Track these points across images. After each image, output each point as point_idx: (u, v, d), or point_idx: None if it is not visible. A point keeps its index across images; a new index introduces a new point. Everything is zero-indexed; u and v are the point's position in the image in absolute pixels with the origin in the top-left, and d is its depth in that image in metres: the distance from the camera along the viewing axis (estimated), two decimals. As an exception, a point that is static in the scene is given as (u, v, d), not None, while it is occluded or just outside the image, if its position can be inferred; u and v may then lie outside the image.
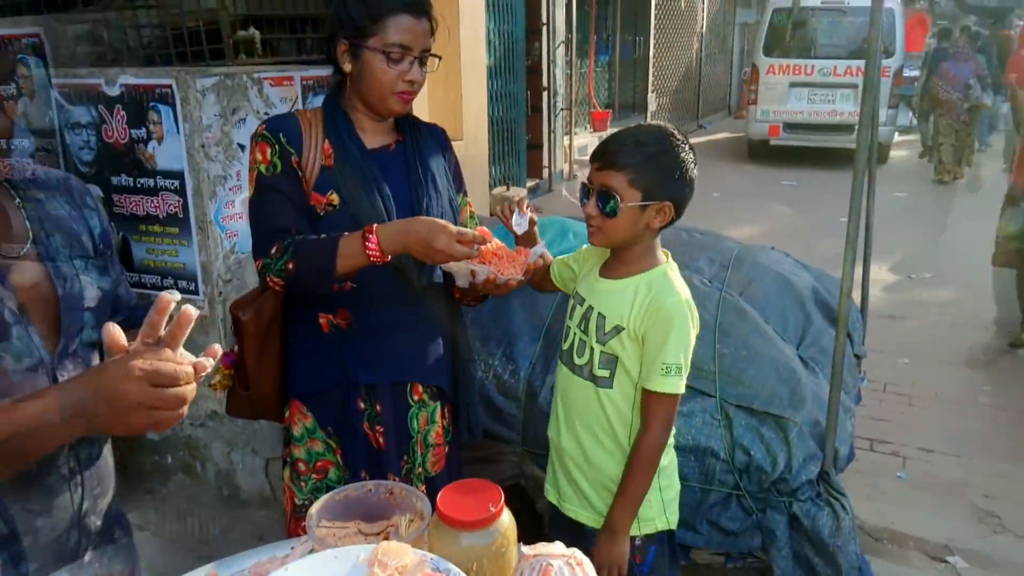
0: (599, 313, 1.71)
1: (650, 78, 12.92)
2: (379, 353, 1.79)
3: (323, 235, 1.68)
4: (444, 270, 1.78)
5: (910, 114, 12.35)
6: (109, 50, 3.13)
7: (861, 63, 10.47)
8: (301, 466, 1.84)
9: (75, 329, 1.20)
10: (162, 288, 2.90)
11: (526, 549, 1.25)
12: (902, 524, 3.24)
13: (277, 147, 1.72)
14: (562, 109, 9.37)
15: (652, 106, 13.02)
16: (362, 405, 1.80)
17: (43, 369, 1.14)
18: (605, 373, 1.71)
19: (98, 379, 0.99)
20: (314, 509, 1.33)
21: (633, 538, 1.77)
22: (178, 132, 2.72)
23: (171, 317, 1.03)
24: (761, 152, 11.68)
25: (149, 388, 0.97)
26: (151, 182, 2.81)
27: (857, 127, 2.21)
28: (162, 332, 1.02)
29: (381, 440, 1.82)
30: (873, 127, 2.99)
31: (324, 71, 3.09)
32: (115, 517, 1.35)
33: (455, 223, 1.86)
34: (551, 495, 1.91)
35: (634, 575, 1.78)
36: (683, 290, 1.70)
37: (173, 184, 2.78)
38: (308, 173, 1.72)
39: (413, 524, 1.33)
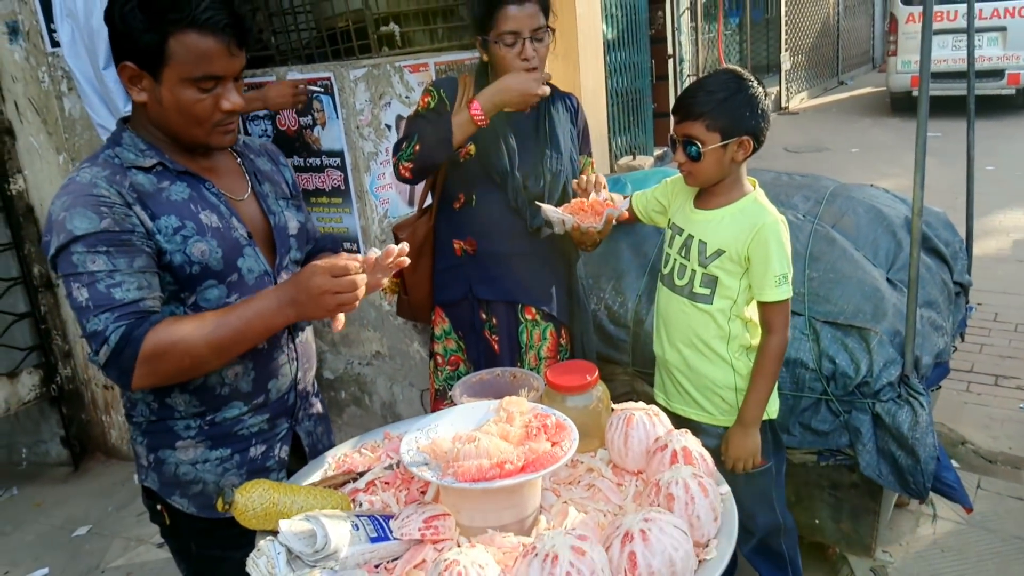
0: (699, 240, 2.00)
1: (783, 37, 12.64)
2: (496, 276, 2.24)
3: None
4: (542, 216, 2.15)
5: None
6: (276, 52, 3.72)
7: (1010, 3, 9.84)
8: (439, 359, 2.33)
9: (285, 250, 1.67)
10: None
11: (615, 407, 1.62)
12: (1019, 449, 3.35)
13: (437, 97, 2.19)
14: (689, 76, 9.45)
15: (786, 65, 12.73)
16: (483, 316, 2.27)
17: (267, 278, 1.61)
18: (705, 291, 2.00)
19: (297, 277, 1.44)
20: (457, 387, 1.76)
21: None
22: (337, 117, 3.24)
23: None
24: (904, 105, 11.23)
25: (330, 278, 1.39)
26: (318, 161, 3.36)
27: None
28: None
29: (497, 347, 2.27)
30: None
31: (454, 56, 3.53)
32: (316, 391, 1.83)
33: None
34: (660, 398, 2.24)
35: None
36: (774, 210, 1.98)
37: (335, 162, 3.31)
38: None
39: (530, 395, 1.73)
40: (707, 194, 2.04)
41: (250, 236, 1.60)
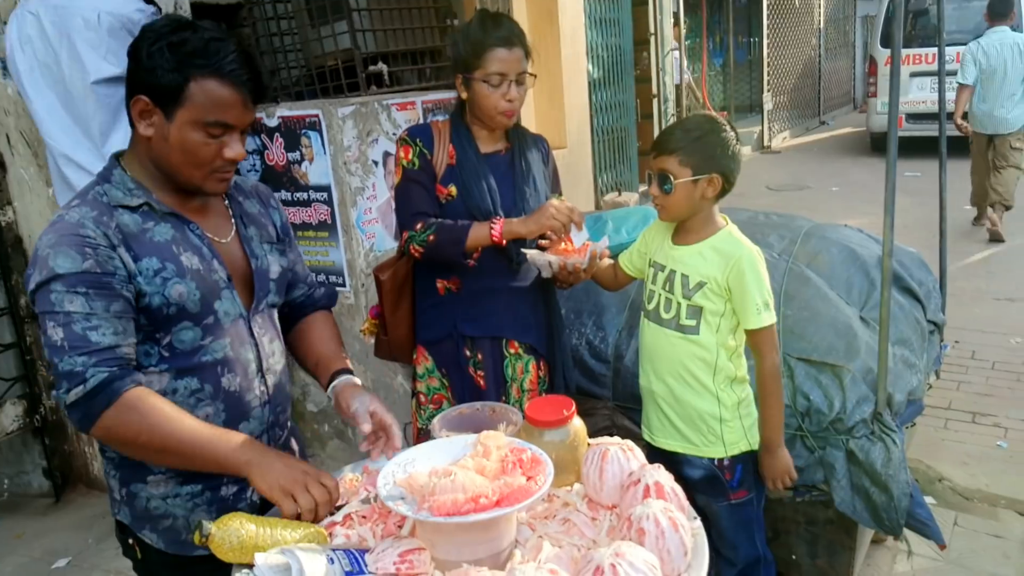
0: (681, 274, 2.08)
1: (765, 78, 12.90)
2: (480, 312, 2.28)
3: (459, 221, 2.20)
4: (530, 263, 2.22)
5: None
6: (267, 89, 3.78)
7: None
8: (422, 397, 2.35)
9: (263, 294, 1.69)
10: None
11: (591, 441, 1.65)
12: (995, 487, 3.38)
13: (417, 148, 2.24)
14: (673, 115, 9.61)
15: (768, 105, 12.97)
16: (467, 353, 2.30)
17: (243, 320, 1.64)
18: (691, 322, 2.07)
19: (285, 458, 1.48)
20: (436, 421, 1.79)
21: (722, 459, 2.13)
22: (325, 153, 3.29)
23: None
24: (884, 145, 11.37)
25: (321, 489, 1.44)
26: (305, 195, 3.41)
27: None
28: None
29: (482, 382, 2.30)
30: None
31: (441, 95, 3.61)
32: (292, 430, 1.84)
33: None
34: (645, 434, 2.28)
35: (725, 490, 2.15)
36: (748, 242, 2.06)
37: (322, 196, 3.36)
38: (437, 169, 2.24)
39: (509, 429, 1.76)
40: (683, 231, 2.12)
41: (229, 279, 1.62)
